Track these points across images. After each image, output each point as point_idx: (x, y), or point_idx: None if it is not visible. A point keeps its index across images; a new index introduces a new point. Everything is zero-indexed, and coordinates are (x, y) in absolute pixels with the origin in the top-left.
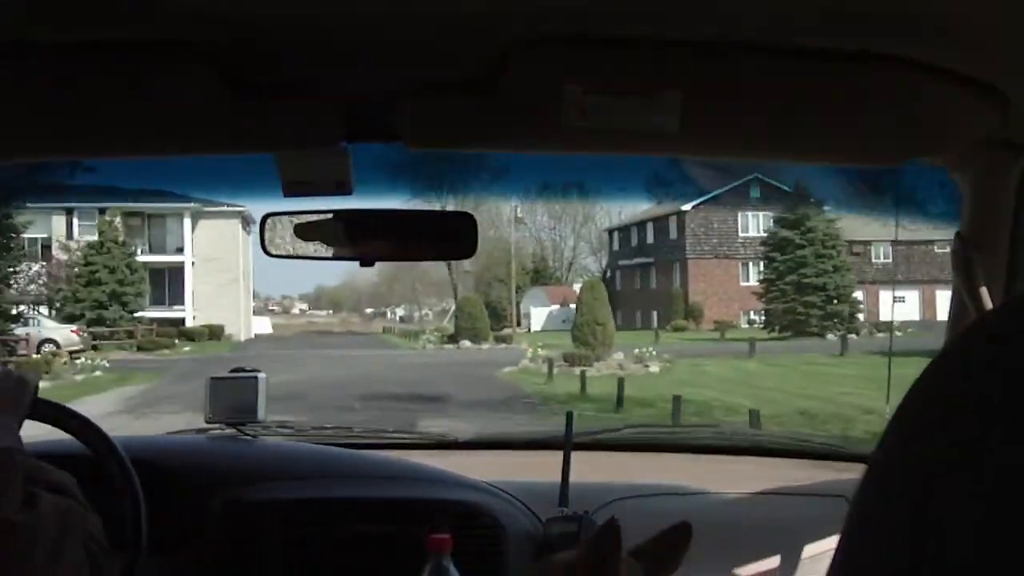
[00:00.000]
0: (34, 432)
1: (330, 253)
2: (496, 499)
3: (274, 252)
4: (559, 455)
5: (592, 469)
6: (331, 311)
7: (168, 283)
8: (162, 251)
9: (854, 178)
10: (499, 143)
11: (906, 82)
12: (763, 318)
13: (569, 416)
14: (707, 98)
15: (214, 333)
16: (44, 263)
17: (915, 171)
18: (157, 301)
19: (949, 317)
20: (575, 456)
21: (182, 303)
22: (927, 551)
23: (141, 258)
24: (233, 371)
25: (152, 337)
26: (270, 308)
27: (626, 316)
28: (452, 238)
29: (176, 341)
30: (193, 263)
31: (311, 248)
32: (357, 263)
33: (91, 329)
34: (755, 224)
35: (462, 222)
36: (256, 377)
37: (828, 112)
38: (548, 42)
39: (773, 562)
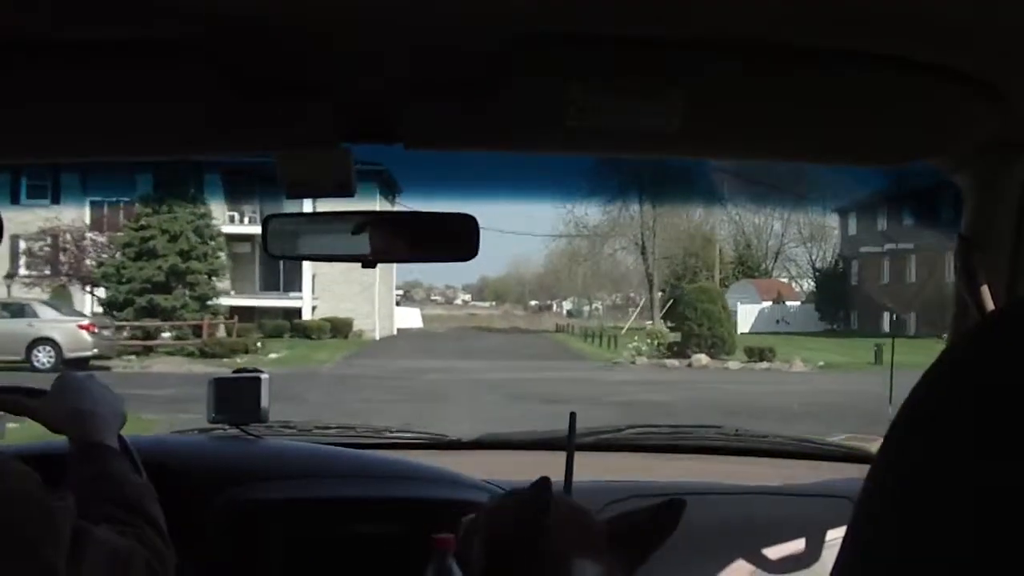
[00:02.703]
0: (41, 431)
1: (332, 254)
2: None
3: (277, 253)
4: (562, 455)
5: (595, 469)
6: (494, 303)
7: (283, 265)
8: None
9: None
10: (502, 143)
11: (907, 82)
12: None
13: (572, 416)
14: (708, 98)
15: (338, 328)
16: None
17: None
18: (269, 286)
19: (951, 317)
20: (578, 456)
21: (299, 289)
22: (931, 550)
23: (230, 228)
24: (236, 371)
25: (220, 335)
26: (432, 298)
27: (868, 317)
28: (454, 239)
29: (259, 344)
30: None
31: (313, 249)
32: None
33: (138, 323)
34: None
35: (464, 223)
36: (259, 377)
37: (829, 113)
38: (549, 42)
39: (799, 545)
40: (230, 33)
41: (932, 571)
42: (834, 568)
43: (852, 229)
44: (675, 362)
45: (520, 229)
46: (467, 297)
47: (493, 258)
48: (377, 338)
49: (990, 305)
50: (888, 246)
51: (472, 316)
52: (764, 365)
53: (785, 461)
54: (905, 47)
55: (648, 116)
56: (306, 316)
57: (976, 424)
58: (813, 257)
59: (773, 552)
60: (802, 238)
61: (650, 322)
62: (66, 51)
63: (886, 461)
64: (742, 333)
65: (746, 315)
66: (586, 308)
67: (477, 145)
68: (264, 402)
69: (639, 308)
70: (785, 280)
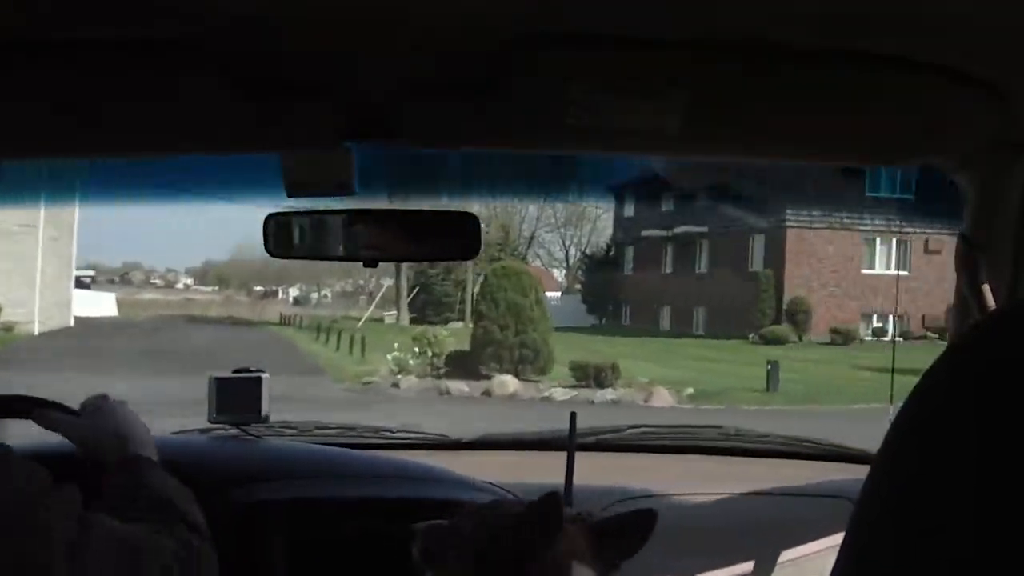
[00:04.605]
0: (41, 431)
1: (333, 253)
2: (499, 500)
3: (278, 252)
4: (562, 456)
5: (595, 470)
6: (217, 288)
7: None
8: None
9: None
10: (502, 142)
11: (908, 82)
12: (895, 324)
13: (572, 416)
14: (709, 98)
15: None
16: None
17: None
18: None
19: (952, 317)
20: (579, 457)
21: None
22: (931, 549)
23: None
24: (236, 370)
25: None
26: (152, 281)
27: (644, 311)
28: (455, 237)
29: None
30: None
31: (314, 248)
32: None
33: None
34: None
35: (465, 221)
36: (260, 377)
37: (830, 113)
38: (550, 41)
39: (799, 545)
40: (230, 33)
41: (936, 569)
42: (834, 569)
43: (629, 211)
44: (463, 387)
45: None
46: (189, 281)
47: (218, 240)
48: (36, 332)
49: (991, 304)
50: (679, 229)
51: (189, 302)
52: (608, 394)
53: (785, 461)
54: (905, 47)
55: (648, 116)
56: None
57: (977, 425)
58: (567, 243)
59: (773, 553)
60: (556, 223)
61: (392, 312)
62: (66, 51)
63: (886, 462)
64: None
65: None
66: (314, 296)
67: (478, 144)
68: (265, 402)
69: (378, 296)
70: (539, 267)
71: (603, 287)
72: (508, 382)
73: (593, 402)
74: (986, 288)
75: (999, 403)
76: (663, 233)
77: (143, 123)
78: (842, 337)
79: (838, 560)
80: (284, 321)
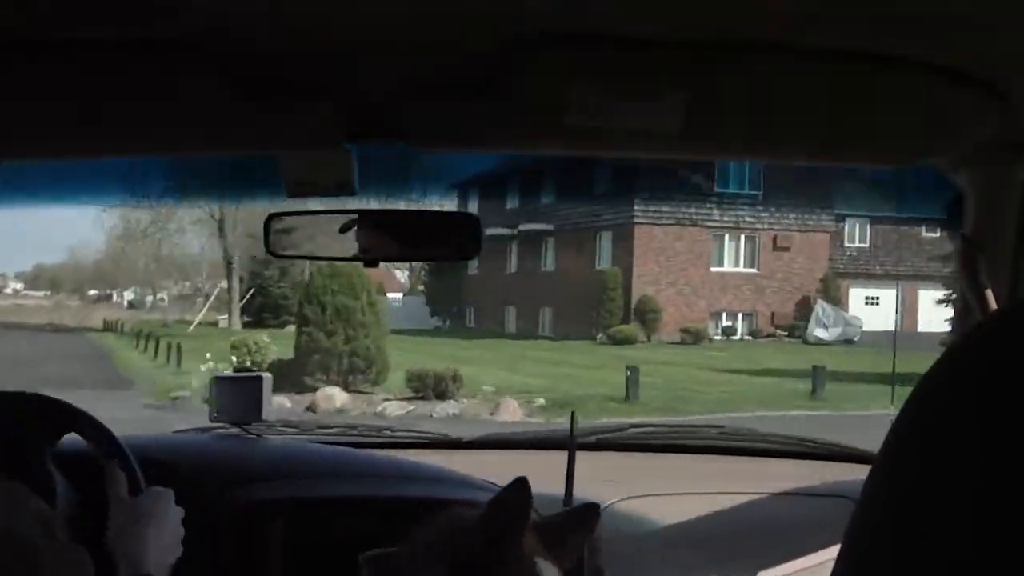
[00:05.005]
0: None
1: (334, 253)
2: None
3: (278, 252)
4: (563, 455)
5: (596, 469)
6: (49, 292)
7: None
8: None
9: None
10: (503, 143)
11: (908, 83)
12: (747, 322)
13: (572, 415)
14: (709, 98)
15: None
16: None
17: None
18: None
19: (953, 318)
20: (579, 456)
21: None
22: (931, 551)
23: None
24: (236, 371)
25: None
26: None
27: (488, 313)
28: (456, 238)
29: None
30: None
31: (315, 248)
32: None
33: None
34: (745, 174)
35: (466, 222)
36: (261, 377)
37: (830, 113)
38: (552, 42)
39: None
40: (230, 33)
41: (936, 569)
42: (834, 570)
43: (473, 208)
44: (285, 401)
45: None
46: (19, 286)
47: (51, 242)
48: None
49: (992, 305)
50: (524, 227)
51: (18, 308)
52: (450, 407)
53: (785, 461)
54: (905, 47)
55: (649, 116)
56: None
57: (978, 427)
58: None
59: (773, 553)
60: None
61: (225, 317)
62: (66, 51)
63: (887, 462)
64: None
65: None
66: (149, 299)
67: (478, 144)
68: (266, 402)
69: (211, 299)
70: (401, 275)
71: (447, 288)
72: (335, 395)
73: (432, 416)
74: (986, 288)
75: (1000, 404)
76: (508, 231)
77: (143, 123)
78: (692, 336)
79: (838, 560)
80: (107, 327)
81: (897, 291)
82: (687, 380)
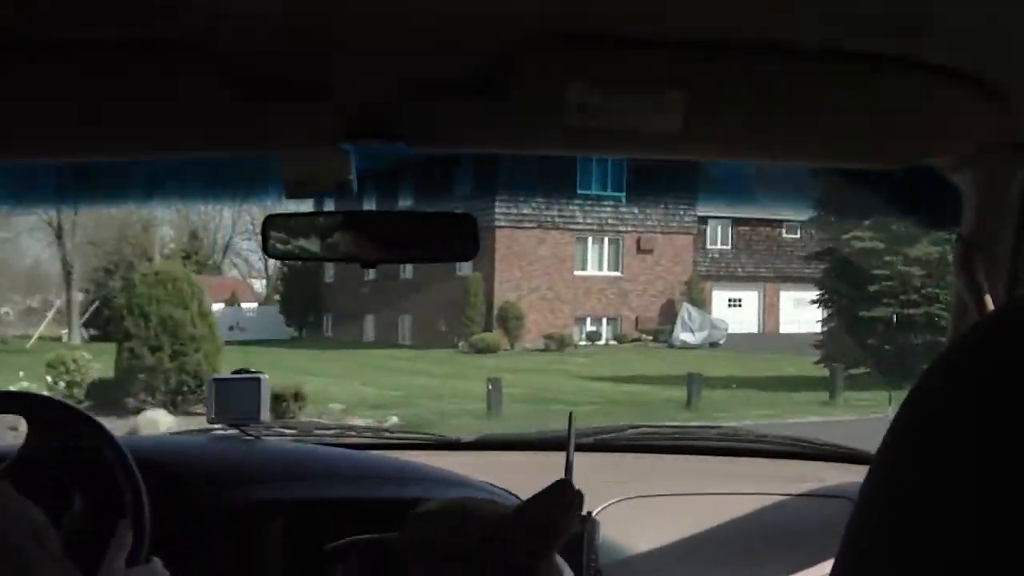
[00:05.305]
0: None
1: (332, 255)
2: (499, 500)
3: (277, 254)
4: (562, 455)
5: (595, 470)
6: None
7: None
8: None
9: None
10: (502, 143)
11: (908, 83)
12: (611, 327)
13: (571, 416)
14: (709, 98)
15: None
16: None
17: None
18: None
19: (950, 318)
20: (578, 457)
21: None
22: (929, 552)
23: None
24: (235, 372)
25: None
26: None
27: (346, 322)
28: (453, 239)
29: None
30: None
31: (313, 250)
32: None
33: None
34: (607, 176)
35: (463, 223)
36: (259, 378)
37: (830, 114)
38: (551, 42)
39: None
40: (230, 33)
41: (934, 569)
42: (833, 570)
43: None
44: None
45: None
46: None
47: None
48: None
49: (990, 306)
50: None
51: None
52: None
53: (785, 462)
54: (906, 48)
55: (649, 116)
56: None
57: (976, 427)
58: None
59: (773, 553)
60: (255, 230)
61: (66, 331)
62: (66, 51)
63: (885, 463)
64: None
65: None
66: None
67: (478, 144)
68: (264, 403)
69: (51, 312)
70: (236, 277)
71: (303, 296)
72: (159, 419)
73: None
74: (985, 289)
75: (997, 405)
76: None
77: (143, 123)
78: (556, 343)
79: (837, 560)
80: None
81: (760, 293)
82: (553, 390)
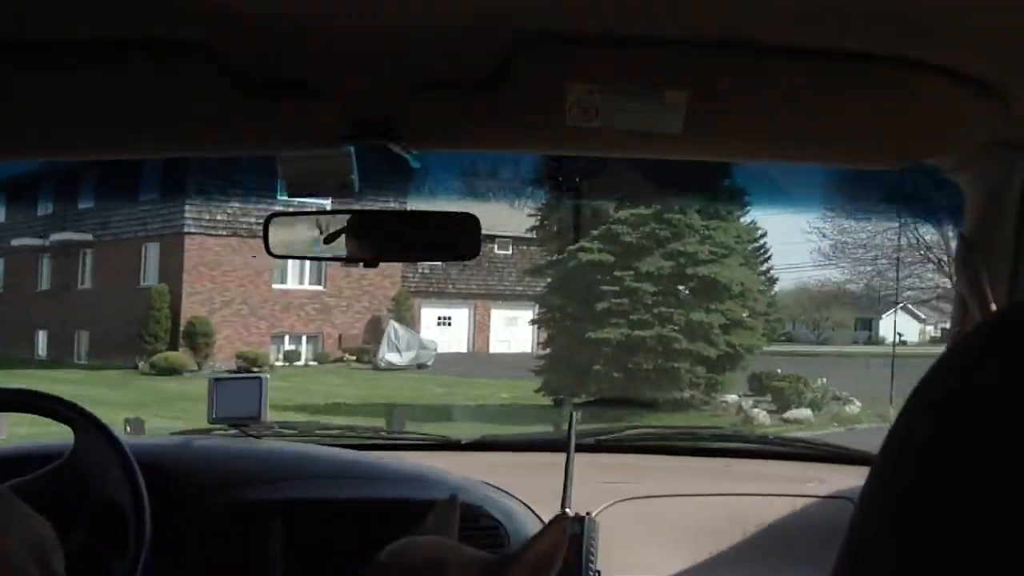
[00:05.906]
0: (39, 431)
1: (334, 254)
2: (498, 500)
3: (278, 253)
4: (561, 456)
5: (595, 470)
6: None
7: None
8: None
9: None
10: (503, 143)
11: (908, 83)
12: (312, 345)
13: (571, 416)
14: (710, 98)
15: None
16: None
17: (917, 171)
18: None
19: (952, 318)
20: (578, 457)
21: None
22: (929, 553)
23: None
24: (236, 372)
25: None
26: None
27: (19, 339)
28: (456, 238)
29: None
30: None
31: (315, 249)
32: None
33: None
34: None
35: (465, 222)
36: (260, 378)
37: (830, 113)
38: (552, 41)
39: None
40: (230, 33)
41: (936, 570)
42: (833, 571)
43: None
44: None
45: None
46: None
47: None
48: None
49: (992, 306)
50: (57, 237)
51: None
52: None
53: (786, 462)
54: (906, 47)
55: (650, 116)
56: None
57: (976, 428)
58: None
59: (773, 554)
60: None
61: None
62: (66, 51)
63: (886, 464)
64: None
65: None
66: None
67: (479, 144)
68: (265, 403)
69: None
70: None
71: None
72: None
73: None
74: (986, 288)
75: (998, 407)
76: (38, 242)
77: (143, 123)
78: (249, 362)
79: (838, 562)
80: None
81: (471, 310)
82: None
